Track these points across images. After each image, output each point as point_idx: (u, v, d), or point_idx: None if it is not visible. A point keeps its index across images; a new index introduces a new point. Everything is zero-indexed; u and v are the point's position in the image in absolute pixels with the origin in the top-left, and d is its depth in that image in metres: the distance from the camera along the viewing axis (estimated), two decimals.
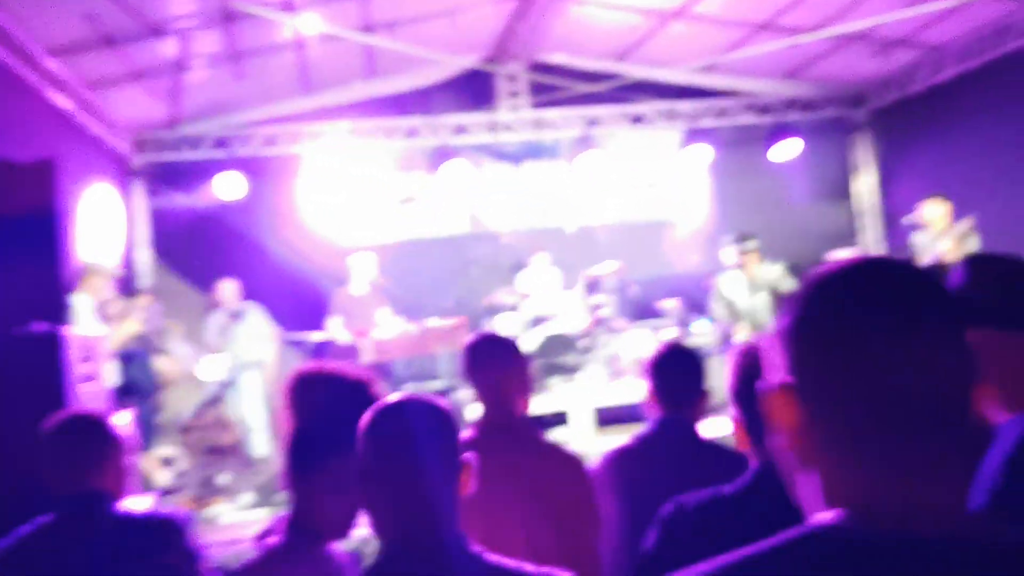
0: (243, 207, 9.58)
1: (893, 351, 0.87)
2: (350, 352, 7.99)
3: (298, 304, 9.93)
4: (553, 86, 10.06)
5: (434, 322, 8.46)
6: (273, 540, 2.00)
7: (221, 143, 9.62)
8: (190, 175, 9.64)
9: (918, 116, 10.14)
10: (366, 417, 1.70)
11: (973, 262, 1.72)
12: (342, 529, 2.00)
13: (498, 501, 2.11)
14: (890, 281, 0.91)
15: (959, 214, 7.71)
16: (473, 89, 10.32)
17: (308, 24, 7.33)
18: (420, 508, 1.62)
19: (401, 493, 1.63)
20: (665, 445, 2.63)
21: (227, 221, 9.65)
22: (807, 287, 0.95)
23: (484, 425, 2.41)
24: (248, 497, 6.97)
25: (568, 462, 2.37)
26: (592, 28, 9.21)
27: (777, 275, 7.70)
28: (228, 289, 8.45)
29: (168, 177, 9.78)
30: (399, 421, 1.67)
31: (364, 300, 8.56)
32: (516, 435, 2.36)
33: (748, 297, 7.76)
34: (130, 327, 6.99)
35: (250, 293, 8.64)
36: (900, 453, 0.87)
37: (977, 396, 0.90)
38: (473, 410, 2.49)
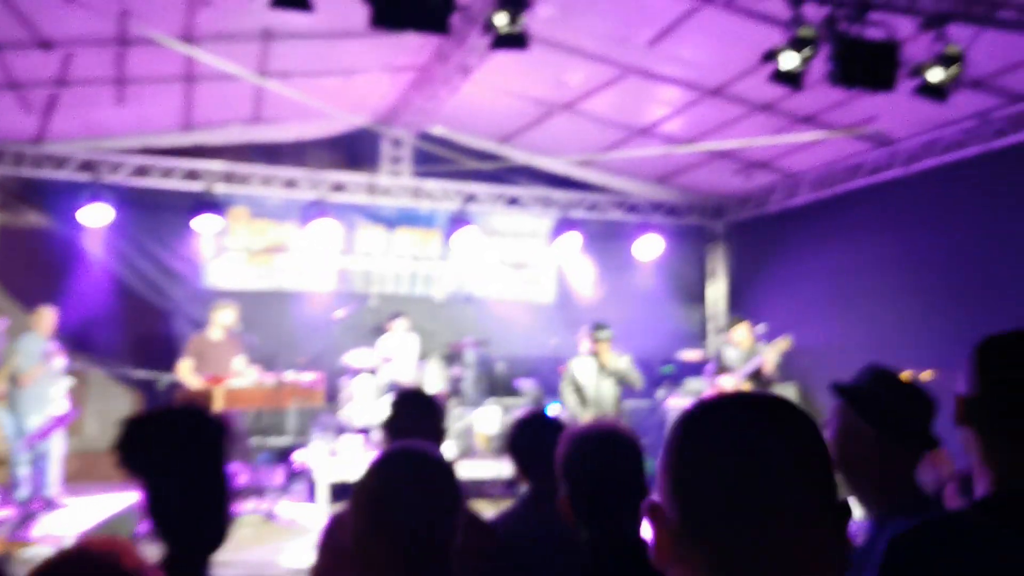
0: (101, 234, 9.20)
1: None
2: (200, 398, 7.71)
3: (144, 342, 9.54)
4: (436, 157, 10.24)
5: (291, 376, 8.29)
6: None
7: (87, 166, 9.22)
8: (50, 195, 9.19)
9: (770, 234, 10.88)
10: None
11: (878, 370, 1.91)
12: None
13: None
14: None
15: (789, 329, 8.29)
16: (354, 150, 10.39)
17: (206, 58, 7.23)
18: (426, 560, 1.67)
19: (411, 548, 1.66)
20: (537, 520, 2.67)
21: (81, 246, 9.19)
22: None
23: None
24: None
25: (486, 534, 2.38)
26: (483, 109, 9.48)
27: (626, 366, 7.94)
28: (47, 317, 7.81)
29: (24, 194, 9.29)
30: (419, 475, 1.71)
31: (220, 346, 8.32)
32: None
33: (596, 383, 7.91)
34: None
35: (89, 325, 8.20)
36: None
37: None
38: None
